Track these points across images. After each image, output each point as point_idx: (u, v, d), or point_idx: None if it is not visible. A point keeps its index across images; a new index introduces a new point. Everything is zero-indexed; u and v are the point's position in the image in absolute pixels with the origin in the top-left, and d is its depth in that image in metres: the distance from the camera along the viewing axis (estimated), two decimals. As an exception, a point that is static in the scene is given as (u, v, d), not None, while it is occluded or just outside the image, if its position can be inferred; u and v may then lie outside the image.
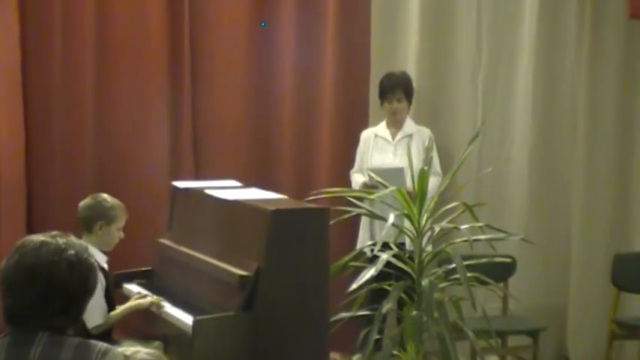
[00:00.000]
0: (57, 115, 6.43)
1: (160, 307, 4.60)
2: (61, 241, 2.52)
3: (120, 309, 4.65)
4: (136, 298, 4.73)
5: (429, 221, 4.59)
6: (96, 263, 2.62)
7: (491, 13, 6.37)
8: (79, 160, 6.43)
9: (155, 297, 4.67)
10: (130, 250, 5.40)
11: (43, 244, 2.49)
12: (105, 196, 4.72)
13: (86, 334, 4.19)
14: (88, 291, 2.53)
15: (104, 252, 4.64)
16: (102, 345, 2.48)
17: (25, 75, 6.35)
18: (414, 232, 4.60)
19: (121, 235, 4.71)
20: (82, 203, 4.68)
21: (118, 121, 6.49)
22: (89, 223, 4.62)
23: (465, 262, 4.31)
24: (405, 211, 4.60)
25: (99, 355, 2.42)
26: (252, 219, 4.33)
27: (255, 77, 6.58)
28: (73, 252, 2.51)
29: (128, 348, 2.08)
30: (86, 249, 2.58)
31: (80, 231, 4.58)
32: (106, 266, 4.62)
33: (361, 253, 4.90)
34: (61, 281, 2.46)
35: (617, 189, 6.35)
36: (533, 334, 5.70)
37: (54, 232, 2.55)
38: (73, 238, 2.57)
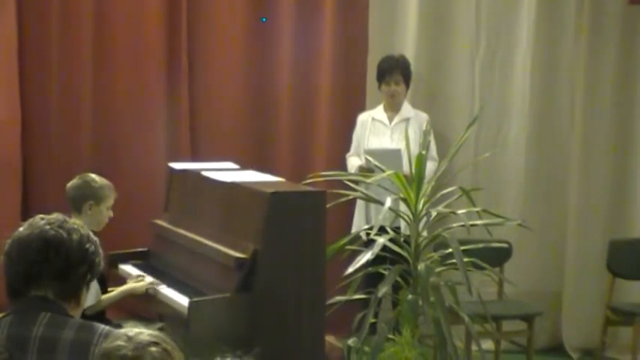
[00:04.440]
0: (54, 96, 6.41)
1: (156, 290, 4.59)
2: (61, 217, 2.58)
3: (115, 292, 4.64)
4: (134, 282, 4.72)
5: (426, 205, 4.59)
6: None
7: (490, -3, 6.36)
8: (76, 141, 6.42)
9: (152, 280, 4.66)
10: (125, 231, 5.40)
11: (41, 219, 2.56)
12: (93, 176, 4.70)
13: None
14: (86, 259, 2.54)
15: (94, 232, 4.62)
16: (104, 327, 2.49)
17: (21, 56, 6.32)
18: (410, 216, 4.60)
19: (111, 214, 4.68)
20: (70, 184, 4.66)
21: (115, 102, 6.47)
22: (78, 203, 4.60)
23: (462, 247, 4.31)
24: (402, 195, 4.59)
25: (101, 336, 2.43)
26: (250, 201, 4.32)
27: (253, 60, 6.55)
28: (74, 226, 2.54)
29: (131, 329, 2.08)
30: (88, 231, 2.62)
31: (70, 212, 4.56)
32: (96, 247, 4.60)
33: (357, 236, 4.90)
34: (60, 243, 2.50)
35: (614, 176, 6.36)
36: (528, 319, 5.71)
37: (55, 214, 2.59)
38: (74, 219, 2.62)
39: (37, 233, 2.50)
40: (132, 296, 4.68)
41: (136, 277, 4.75)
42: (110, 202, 4.67)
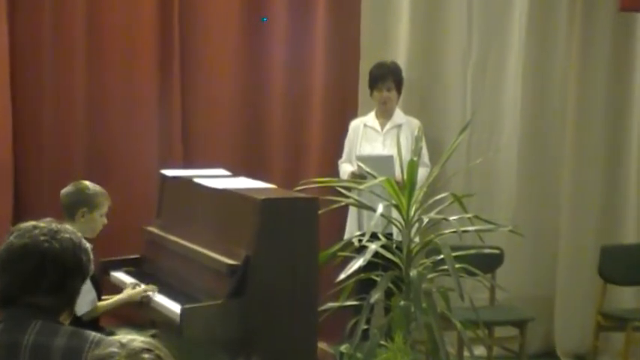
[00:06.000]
0: (46, 100, 6.40)
1: (149, 298, 4.58)
2: (54, 225, 2.56)
3: (112, 300, 4.64)
4: (130, 289, 4.71)
5: (418, 212, 4.59)
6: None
7: (481, 3, 6.37)
8: (68, 146, 6.41)
9: (148, 286, 4.66)
10: (118, 238, 5.39)
11: (35, 227, 2.53)
12: (87, 183, 4.70)
13: (76, 321, 4.17)
14: (81, 270, 2.54)
15: (88, 239, 4.61)
16: (95, 334, 2.48)
17: (13, 59, 6.31)
18: (402, 222, 4.60)
19: (104, 221, 4.68)
20: (64, 191, 4.66)
21: (108, 106, 6.47)
22: (72, 210, 4.59)
23: (453, 253, 4.32)
24: (394, 202, 4.60)
25: (92, 344, 2.42)
26: (242, 208, 4.32)
27: (246, 67, 6.56)
28: (67, 235, 2.53)
29: (124, 336, 2.07)
30: (80, 236, 2.61)
31: (64, 218, 4.55)
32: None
33: (349, 243, 4.90)
34: (55, 256, 2.48)
35: (606, 181, 6.37)
36: (520, 324, 5.72)
37: (47, 219, 2.57)
38: (67, 225, 2.60)
39: (32, 245, 2.49)
40: (127, 304, 4.67)
41: (132, 285, 4.75)
42: (104, 209, 4.67)
